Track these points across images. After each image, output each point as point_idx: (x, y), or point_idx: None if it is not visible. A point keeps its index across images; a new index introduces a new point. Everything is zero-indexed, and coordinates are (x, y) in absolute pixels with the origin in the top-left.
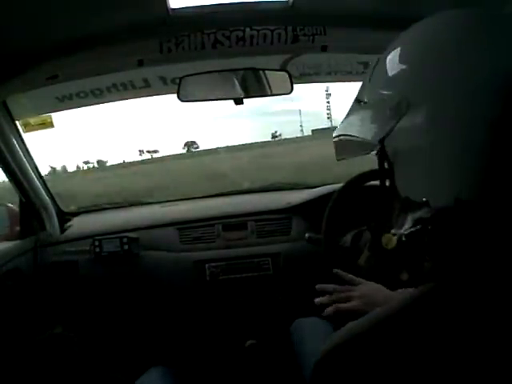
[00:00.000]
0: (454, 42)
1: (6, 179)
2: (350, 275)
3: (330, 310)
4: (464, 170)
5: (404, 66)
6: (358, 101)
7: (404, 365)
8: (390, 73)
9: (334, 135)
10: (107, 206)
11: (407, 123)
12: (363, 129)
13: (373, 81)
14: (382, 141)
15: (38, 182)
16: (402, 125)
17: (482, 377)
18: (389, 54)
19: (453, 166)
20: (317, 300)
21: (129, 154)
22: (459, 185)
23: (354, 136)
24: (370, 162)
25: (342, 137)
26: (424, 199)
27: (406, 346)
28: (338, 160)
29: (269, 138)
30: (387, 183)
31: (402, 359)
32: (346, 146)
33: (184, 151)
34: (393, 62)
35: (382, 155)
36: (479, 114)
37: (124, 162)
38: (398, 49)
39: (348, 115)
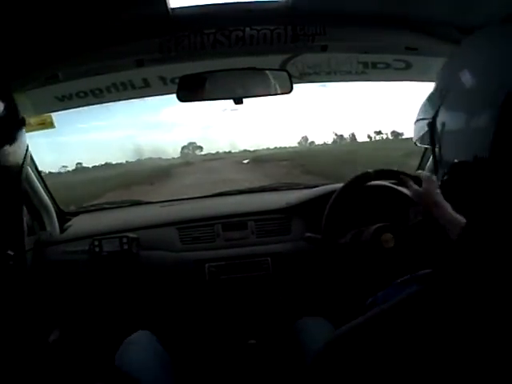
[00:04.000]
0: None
1: None
2: None
3: None
4: (482, 136)
5: (456, 68)
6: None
7: (401, 359)
8: (446, 71)
9: (414, 121)
10: (107, 206)
11: (448, 104)
12: (426, 111)
13: (437, 77)
14: (434, 117)
15: (37, 182)
16: (445, 105)
17: (477, 372)
18: (452, 56)
19: (473, 134)
20: None
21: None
22: (479, 146)
23: (422, 118)
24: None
25: (418, 120)
26: (456, 160)
27: (403, 342)
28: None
29: None
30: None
31: (399, 354)
32: (419, 128)
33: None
34: (451, 63)
35: (432, 127)
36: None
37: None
38: (457, 52)
39: (423, 105)
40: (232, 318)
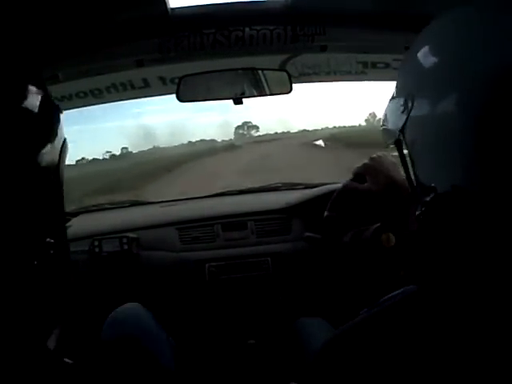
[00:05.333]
0: (455, 39)
1: None
2: None
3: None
4: (464, 158)
5: (415, 63)
6: (393, 94)
7: (399, 359)
8: (407, 69)
9: (380, 124)
10: (107, 206)
11: (417, 114)
12: (390, 119)
13: (399, 75)
14: (401, 130)
15: None
16: (413, 115)
17: (473, 373)
18: (409, 52)
19: (453, 155)
20: None
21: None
22: (460, 172)
23: (385, 125)
24: None
25: (383, 125)
26: (432, 184)
27: (401, 342)
28: (386, 147)
29: None
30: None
31: (397, 354)
32: (385, 134)
33: None
34: (410, 59)
35: (399, 144)
36: (477, 105)
37: None
38: (414, 47)
39: (387, 106)
40: (232, 318)
